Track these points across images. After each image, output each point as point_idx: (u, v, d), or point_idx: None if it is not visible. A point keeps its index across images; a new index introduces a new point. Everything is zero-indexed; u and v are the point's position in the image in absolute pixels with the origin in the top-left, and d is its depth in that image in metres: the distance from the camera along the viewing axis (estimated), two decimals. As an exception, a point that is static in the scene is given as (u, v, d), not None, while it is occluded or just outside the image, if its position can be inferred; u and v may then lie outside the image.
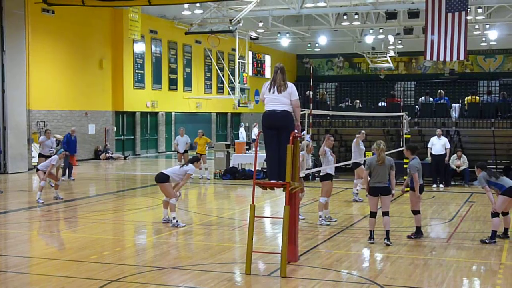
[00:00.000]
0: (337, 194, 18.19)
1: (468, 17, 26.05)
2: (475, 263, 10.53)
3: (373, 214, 11.90)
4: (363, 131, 17.98)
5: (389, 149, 21.42)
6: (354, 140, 17.45)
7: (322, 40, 43.16)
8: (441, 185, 20.64)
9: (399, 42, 43.88)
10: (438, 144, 20.53)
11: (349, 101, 27.14)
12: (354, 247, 11.68)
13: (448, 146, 20.63)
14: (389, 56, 45.61)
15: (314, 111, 14.71)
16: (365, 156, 17.59)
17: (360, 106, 25.90)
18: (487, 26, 38.78)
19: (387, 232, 11.74)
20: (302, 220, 13.52)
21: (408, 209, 15.88)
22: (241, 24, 32.53)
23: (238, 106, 38.43)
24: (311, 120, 13.00)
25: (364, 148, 17.66)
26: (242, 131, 37.60)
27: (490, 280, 9.45)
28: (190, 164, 13.65)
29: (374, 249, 11.41)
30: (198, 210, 16.44)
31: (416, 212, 12.36)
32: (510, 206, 12.14)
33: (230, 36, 37.45)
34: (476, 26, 38.40)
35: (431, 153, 20.61)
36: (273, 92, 10.00)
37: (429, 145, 20.79)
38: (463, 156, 21.25)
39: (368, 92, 36.61)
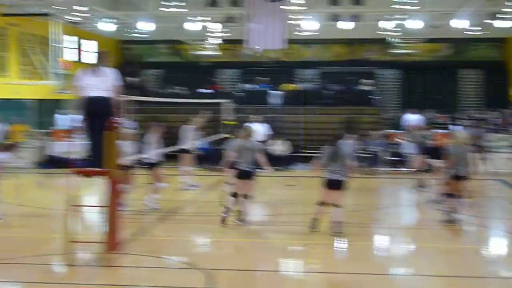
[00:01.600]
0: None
1: (287, 7, 26.94)
2: (295, 244, 10.97)
3: (235, 195, 12.26)
4: (199, 118, 17.99)
5: (213, 135, 21.80)
6: (190, 126, 17.43)
7: (146, 26, 42.67)
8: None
9: (223, 29, 44.47)
10: (257, 131, 21.11)
11: (173, 88, 27.14)
12: (179, 233, 11.75)
13: (268, 132, 21.27)
14: (213, 44, 46.08)
15: (137, 98, 14.55)
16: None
17: (184, 93, 25.97)
18: (305, 16, 40.32)
19: (241, 212, 12.18)
20: (126, 208, 13.33)
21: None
22: (59, 7, 31.32)
23: (57, 92, 37.03)
24: (133, 107, 12.85)
25: (193, 135, 17.65)
26: (62, 118, 36.30)
27: (308, 260, 9.94)
28: (3, 152, 12.98)
29: (199, 235, 11.57)
30: (16, 201, 15.68)
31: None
32: (330, 197, 11.67)
33: (47, 19, 35.85)
34: (295, 16, 39.80)
35: None
36: (95, 78, 9.75)
37: None
38: (283, 141, 22.03)
39: (192, 79, 36.76)
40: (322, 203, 11.66)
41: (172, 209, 14.19)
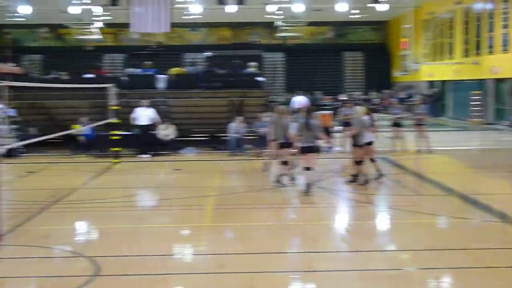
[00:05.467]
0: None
1: (172, -10, 26.66)
2: (182, 227, 10.92)
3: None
4: None
5: (98, 120, 21.32)
6: None
7: (25, 9, 41.05)
8: (146, 155, 20.97)
9: (107, 13, 43.48)
10: (143, 115, 21.00)
11: (56, 73, 26.30)
12: (64, 221, 11.42)
13: (155, 116, 21.11)
14: (97, 28, 44.99)
15: (15, 83, 14.01)
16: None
17: (67, 78, 25.19)
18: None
19: None
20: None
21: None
22: None
23: None
24: (11, 94, 12.37)
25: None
26: None
27: (195, 242, 9.93)
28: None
29: (84, 222, 11.30)
30: None
31: None
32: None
33: None
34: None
35: (137, 124, 20.94)
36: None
37: (134, 116, 21.08)
38: (171, 126, 21.86)
39: (76, 64, 35.83)
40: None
41: (55, 197, 13.76)
